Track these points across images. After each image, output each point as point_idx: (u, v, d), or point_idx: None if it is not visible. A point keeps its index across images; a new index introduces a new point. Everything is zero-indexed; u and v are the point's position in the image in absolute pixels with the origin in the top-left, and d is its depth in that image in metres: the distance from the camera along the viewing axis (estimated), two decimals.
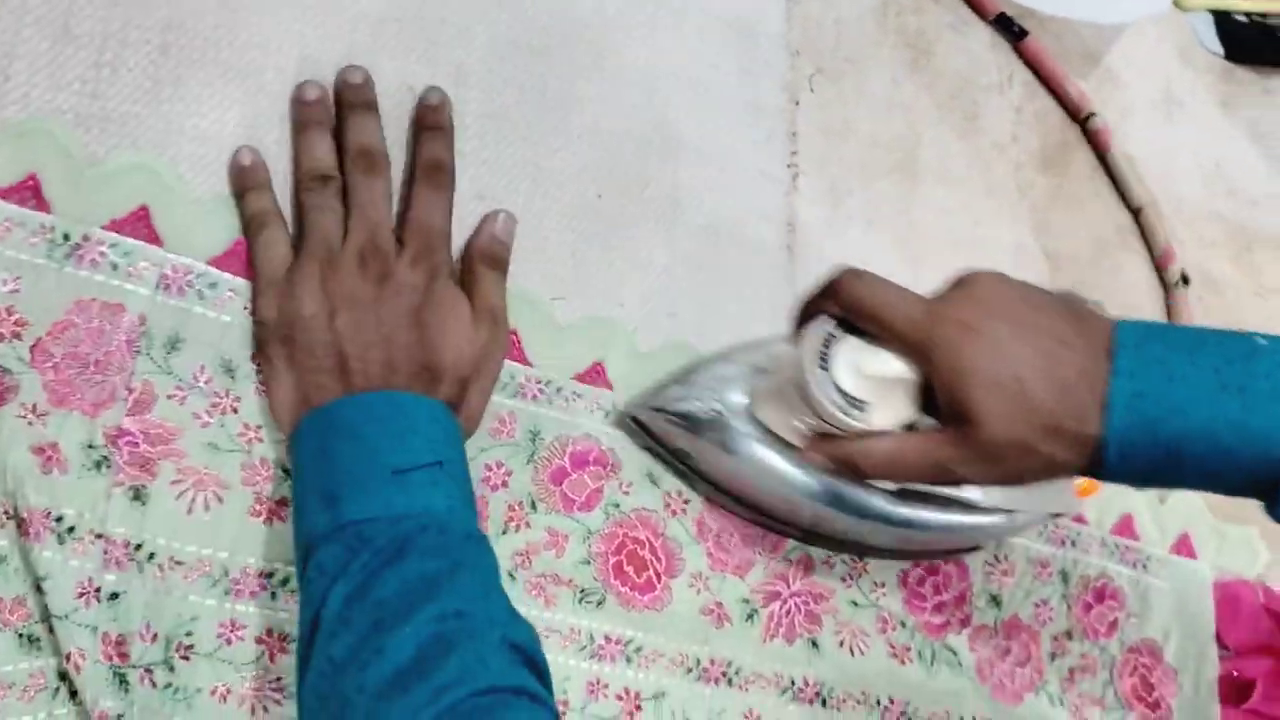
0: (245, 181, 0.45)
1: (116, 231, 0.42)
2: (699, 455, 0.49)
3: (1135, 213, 0.68)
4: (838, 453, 0.44)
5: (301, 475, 0.40)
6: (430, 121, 0.48)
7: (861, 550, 0.53)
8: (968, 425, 0.40)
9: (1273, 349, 0.38)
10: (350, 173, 0.45)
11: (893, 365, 0.42)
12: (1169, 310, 0.68)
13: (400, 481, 0.39)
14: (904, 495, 0.48)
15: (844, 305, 0.43)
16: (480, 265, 0.47)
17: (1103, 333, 0.39)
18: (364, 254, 0.43)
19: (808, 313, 0.45)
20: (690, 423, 0.48)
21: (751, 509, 0.50)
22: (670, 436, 0.49)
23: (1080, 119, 0.68)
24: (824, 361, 0.43)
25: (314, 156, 0.45)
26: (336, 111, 0.47)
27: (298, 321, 0.42)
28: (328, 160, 0.45)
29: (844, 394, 0.42)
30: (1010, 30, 0.66)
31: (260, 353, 0.43)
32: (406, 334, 0.42)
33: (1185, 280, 0.67)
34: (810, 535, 0.51)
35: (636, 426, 0.50)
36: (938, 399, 0.41)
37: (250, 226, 0.44)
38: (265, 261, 0.43)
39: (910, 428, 0.43)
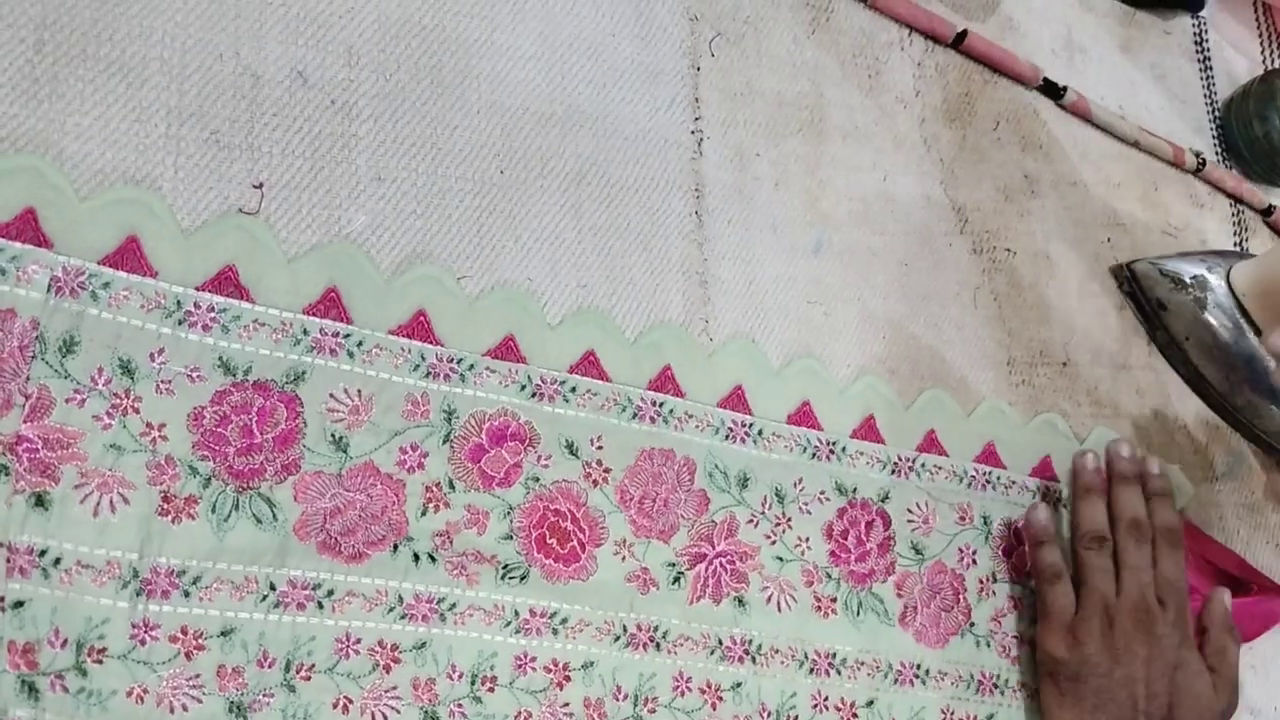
0: (1040, 536, 0.57)
1: (3, 236, 0.41)
2: (1174, 307, 0.63)
3: (1135, 145, 0.74)
4: None
5: None
6: (1155, 489, 0.59)
7: (1265, 439, 0.66)
8: None
9: None
10: (1123, 536, 0.56)
11: None
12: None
13: None
14: None
15: None
16: (1226, 638, 0.56)
17: None
18: (1136, 613, 0.53)
19: None
20: (1179, 278, 0.62)
21: (1190, 366, 0.64)
22: (1155, 286, 0.63)
23: (1036, 87, 0.70)
24: None
25: (1094, 520, 0.57)
26: (1109, 477, 0.59)
27: (1086, 663, 0.52)
28: (1105, 524, 0.57)
29: None
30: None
31: (1048, 679, 0.54)
32: (1164, 689, 0.53)
33: (1200, 161, 0.75)
34: (1225, 408, 0.66)
35: (1127, 273, 0.65)
36: None
37: (1045, 575, 0.56)
38: (1056, 607, 0.55)
39: None
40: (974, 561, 0.58)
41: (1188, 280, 0.64)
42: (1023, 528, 0.58)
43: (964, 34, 0.66)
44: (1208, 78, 0.81)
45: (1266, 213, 0.78)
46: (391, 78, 0.50)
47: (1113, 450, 0.60)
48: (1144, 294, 0.65)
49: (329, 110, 0.48)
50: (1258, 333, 0.65)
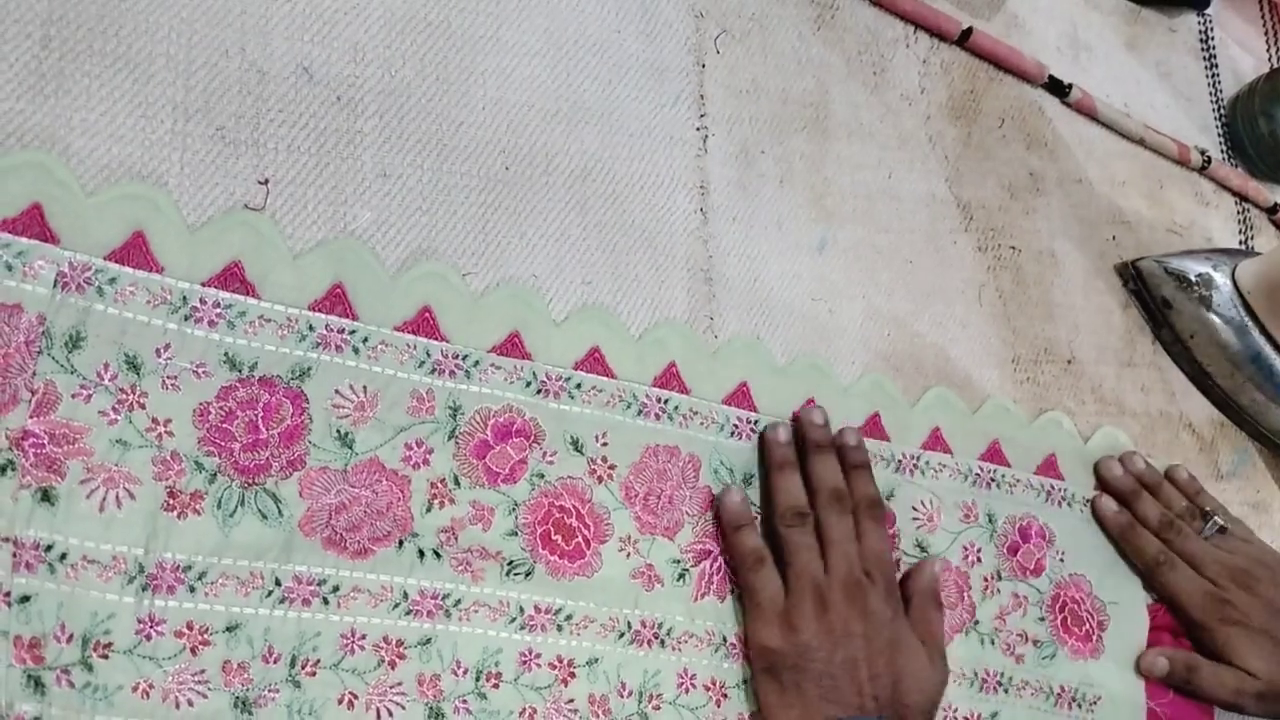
0: (738, 520, 0.51)
1: (9, 232, 0.41)
2: (1179, 305, 0.63)
3: (1140, 142, 0.74)
4: None
5: None
6: (853, 460, 0.54)
7: (1265, 435, 0.67)
8: None
9: None
10: (824, 509, 0.52)
11: None
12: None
13: None
14: None
15: None
16: (929, 605, 0.53)
17: None
18: (848, 589, 0.50)
19: None
20: (1184, 276, 0.63)
21: (1194, 363, 0.65)
22: (1161, 284, 0.64)
23: (1041, 85, 0.70)
24: None
25: (792, 494, 0.52)
26: (799, 449, 0.54)
27: (806, 652, 0.48)
28: (804, 499, 0.52)
29: None
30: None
31: (765, 674, 0.49)
32: (885, 667, 0.49)
33: (1206, 158, 0.75)
34: (1227, 405, 0.66)
35: (1132, 271, 0.65)
36: None
37: (747, 561, 0.51)
38: (764, 594, 0.50)
39: None
40: (978, 559, 0.58)
41: (1193, 278, 0.64)
42: (717, 512, 0.52)
43: (969, 31, 0.66)
44: (1213, 75, 0.80)
45: (1272, 210, 0.78)
46: (397, 74, 0.50)
47: (805, 419, 0.54)
48: (1149, 292, 0.66)
49: (334, 106, 0.49)
50: (1263, 331, 0.64)
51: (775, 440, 0.53)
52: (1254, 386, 0.65)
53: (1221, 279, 0.65)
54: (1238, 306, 0.64)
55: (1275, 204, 0.78)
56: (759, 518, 0.53)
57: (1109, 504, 0.62)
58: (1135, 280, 0.66)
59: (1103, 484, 0.63)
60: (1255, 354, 0.64)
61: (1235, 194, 0.77)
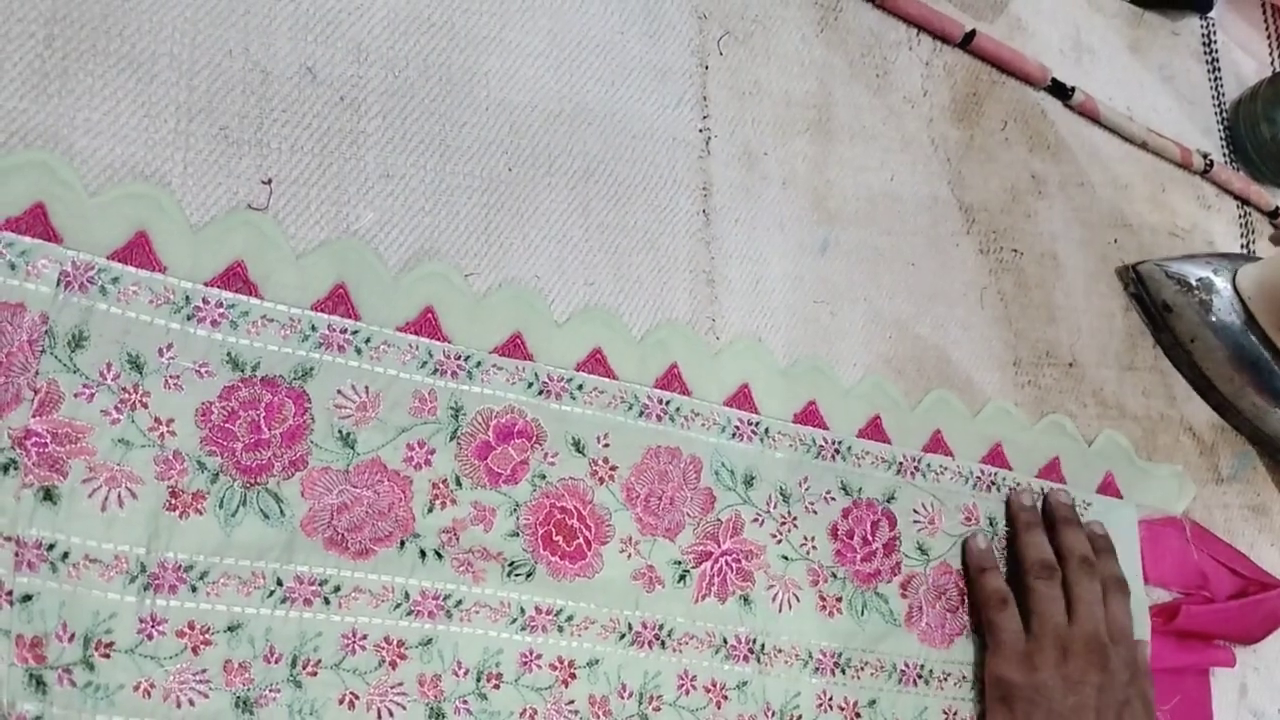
0: (983, 563, 0.56)
1: (12, 231, 0.41)
2: (1179, 309, 0.63)
3: (1143, 145, 0.74)
4: None
5: None
6: (1101, 545, 0.59)
7: (1267, 445, 0.66)
8: None
9: None
10: (1074, 571, 0.56)
11: None
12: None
13: None
14: None
15: None
16: (1147, 685, 0.57)
17: None
18: (1090, 644, 0.54)
19: None
20: (1184, 280, 0.62)
21: (1194, 366, 0.64)
22: (1162, 288, 0.63)
23: (1044, 87, 0.70)
24: None
25: (1042, 549, 0.57)
26: (1046, 517, 0.59)
27: (1041, 689, 0.52)
28: (1053, 556, 0.57)
29: None
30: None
31: (999, 702, 0.54)
32: None
33: (1209, 163, 0.75)
34: (1225, 409, 0.65)
35: (1134, 275, 0.64)
36: None
37: (992, 601, 0.55)
38: (1007, 633, 0.54)
39: None
40: None
41: (1193, 282, 0.64)
42: (964, 555, 0.57)
43: (972, 34, 0.66)
44: (1216, 79, 0.80)
45: (1274, 214, 0.78)
46: (400, 74, 0.50)
47: (1053, 498, 0.60)
48: (1149, 296, 0.65)
49: (338, 106, 0.49)
50: (1263, 335, 0.64)
51: (1021, 503, 0.59)
52: (1254, 390, 0.65)
53: (1222, 283, 0.65)
54: (1238, 311, 0.63)
55: (1277, 208, 0.78)
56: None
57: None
58: (1136, 284, 0.66)
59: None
60: (1255, 359, 0.64)
61: (1237, 197, 0.77)
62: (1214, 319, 0.63)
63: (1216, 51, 0.81)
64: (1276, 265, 0.64)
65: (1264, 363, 0.65)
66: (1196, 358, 0.65)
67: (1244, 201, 0.77)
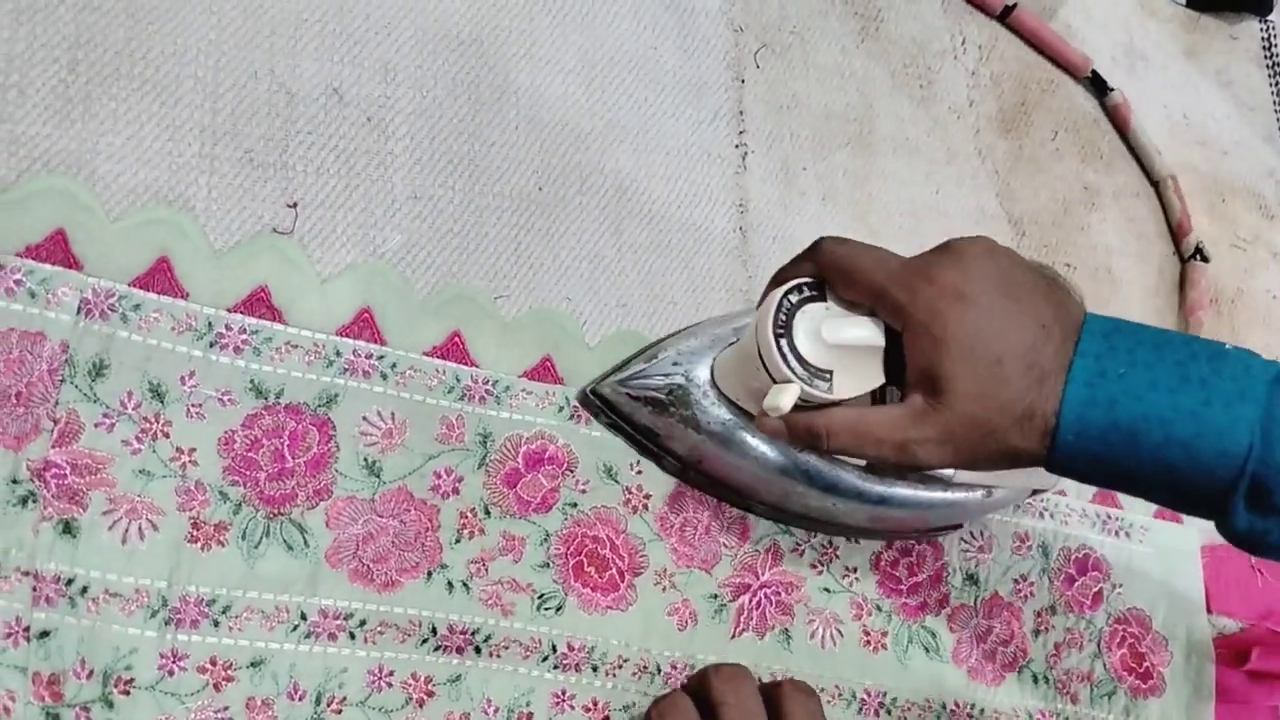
0: None
1: (33, 258, 0.40)
2: (665, 432, 0.47)
3: (1155, 185, 0.68)
4: (798, 423, 0.41)
5: None
6: None
7: (835, 530, 0.51)
8: (935, 397, 0.38)
9: (1240, 356, 0.37)
10: None
11: (858, 331, 0.40)
12: (1182, 281, 0.67)
13: None
14: (876, 470, 0.46)
15: (823, 265, 0.41)
16: None
17: (1075, 320, 0.38)
18: None
19: (781, 279, 0.42)
20: (655, 399, 0.47)
21: (721, 487, 0.49)
22: (636, 414, 0.48)
23: (1084, 78, 0.68)
24: (782, 328, 0.40)
25: None
26: None
27: None
28: None
29: (801, 359, 0.40)
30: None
31: None
32: None
33: (1203, 256, 0.67)
34: (782, 513, 0.50)
35: (601, 404, 0.48)
36: (908, 366, 0.39)
37: None
38: None
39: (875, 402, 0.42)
40: (1031, 593, 0.55)
41: (664, 398, 0.46)
42: None
43: (1012, 7, 0.64)
44: (1277, 83, 0.77)
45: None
46: (428, 94, 0.49)
47: None
48: (630, 423, 0.48)
49: (364, 128, 0.48)
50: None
51: None
52: (819, 492, 0.48)
53: (699, 384, 0.47)
54: (729, 413, 0.46)
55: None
56: None
57: None
58: (606, 413, 0.48)
59: None
60: (782, 461, 0.47)
61: None
62: (709, 431, 0.46)
63: (1277, 55, 0.78)
64: (740, 354, 0.45)
65: (798, 462, 0.47)
66: (719, 478, 0.49)
67: None
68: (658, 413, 0.47)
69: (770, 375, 0.41)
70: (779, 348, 0.40)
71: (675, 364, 0.47)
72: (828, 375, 0.40)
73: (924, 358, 0.38)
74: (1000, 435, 0.37)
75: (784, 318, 0.40)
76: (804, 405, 0.40)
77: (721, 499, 0.50)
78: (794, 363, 0.40)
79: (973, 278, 0.38)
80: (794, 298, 0.41)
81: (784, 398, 0.40)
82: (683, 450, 0.48)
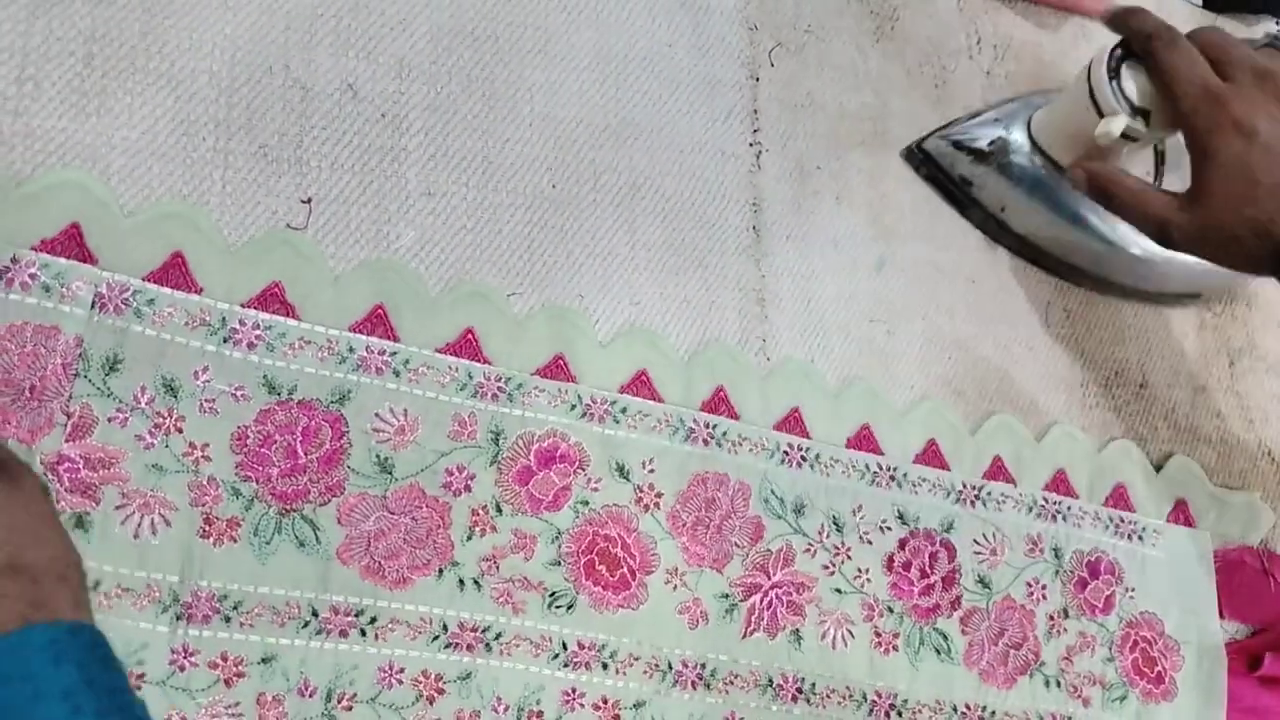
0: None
1: (47, 252, 0.40)
2: (979, 181, 0.56)
3: None
4: (1100, 171, 0.51)
5: None
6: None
7: (1101, 285, 0.61)
8: (1199, 199, 0.48)
9: None
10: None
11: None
12: None
13: None
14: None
15: (1144, 52, 0.50)
16: None
17: None
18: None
19: (1120, 21, 0.52)
20: (977, 149, 0.56)
21: (1014, 236, 0.58)
22: (957, 164, 0.56)
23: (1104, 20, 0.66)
24: (1113, 72, 0.51)
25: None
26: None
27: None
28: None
29: (1126, 98, 0.50)
30: None
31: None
32: None
33: None
34: (1060, 264, 0.59)
35: (922, 155, 0.57)
36: (1191, 167, 0.48)
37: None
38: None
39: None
40: (1044, 596, 0.55)
41: (986, 148, 0.56)
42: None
43: None
44: None
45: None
46: (443, 90, 0.49)
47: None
48: (945, 174, 0.57)
49: (379, 123, 0.48)
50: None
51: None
52: (1090, 240, 0.57)
53: (1017, 137, 0.57)
54: (1041, 164, 0.56)
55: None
56: None
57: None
58: (926, 165, 0.58)
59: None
60: (1074, 212, 0.57)
61: None
62: (1018, 179, 0.56)
63: None
64: (1067, 102, 0.55)
65: (1083, 212, 0.57)
66: (1013, 225, 0.58)
67: None
68: (976, 161, 0.56)
69: (1099, 110, 0.51)
70: (1111, 85, 0.50)
71: (997, 120, 0.57)
72: (1146, 114, 0.50)
73: (1200, 168, 0.48)
74: (1242, 242, 0.47)
75: (1114, 64, 0.51)
76: (1128, 137, 0.51)
77: (1011, 249, 0.59)
78: (1121, 99, 0.50)
79: (1259, 114, 0.47)
80: (1119, 51, 0.51)
81: (1114, 125, 0.50)
82: (990, 200, 0.57)
